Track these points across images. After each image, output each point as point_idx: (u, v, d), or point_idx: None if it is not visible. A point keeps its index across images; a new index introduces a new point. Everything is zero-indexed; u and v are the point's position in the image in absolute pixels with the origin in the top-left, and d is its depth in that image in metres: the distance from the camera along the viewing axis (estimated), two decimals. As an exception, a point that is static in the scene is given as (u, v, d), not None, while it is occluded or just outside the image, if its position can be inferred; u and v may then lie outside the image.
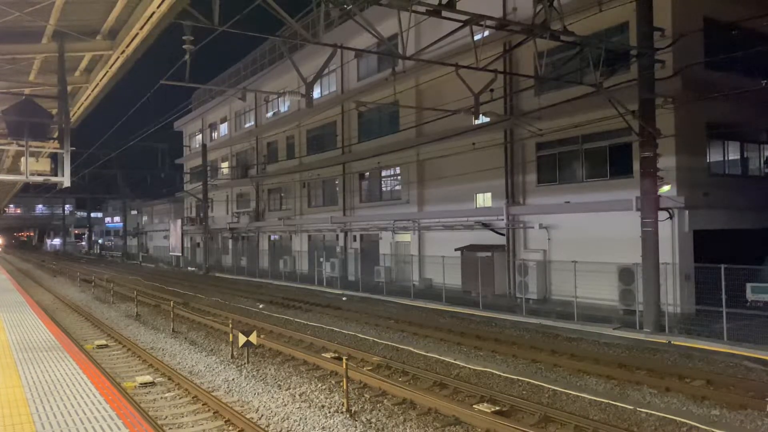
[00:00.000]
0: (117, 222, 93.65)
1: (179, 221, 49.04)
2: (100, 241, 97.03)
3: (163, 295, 25.94)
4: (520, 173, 22.07)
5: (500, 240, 22.29)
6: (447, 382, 10.77)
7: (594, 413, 9.21)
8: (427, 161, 26.28)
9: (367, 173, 31.04)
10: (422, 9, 11.57)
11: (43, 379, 9.69)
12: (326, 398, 10.12)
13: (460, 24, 12.38)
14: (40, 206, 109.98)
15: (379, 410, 9.47)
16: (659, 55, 15.81)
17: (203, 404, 9.86)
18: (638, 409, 9.33)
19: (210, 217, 46.09)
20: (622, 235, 17.13)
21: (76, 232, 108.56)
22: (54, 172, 10.83)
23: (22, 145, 10.37)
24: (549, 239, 20.76)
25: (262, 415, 9.29)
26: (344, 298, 24.32)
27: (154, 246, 67.17)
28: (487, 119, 20.19)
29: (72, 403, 8.35)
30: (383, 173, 30.00)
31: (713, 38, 17.66)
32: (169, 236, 51.38)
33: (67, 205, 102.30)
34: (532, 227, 21.32)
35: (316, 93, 33.04)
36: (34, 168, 10.71)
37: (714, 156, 18.86)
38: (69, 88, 12.11)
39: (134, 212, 77.17)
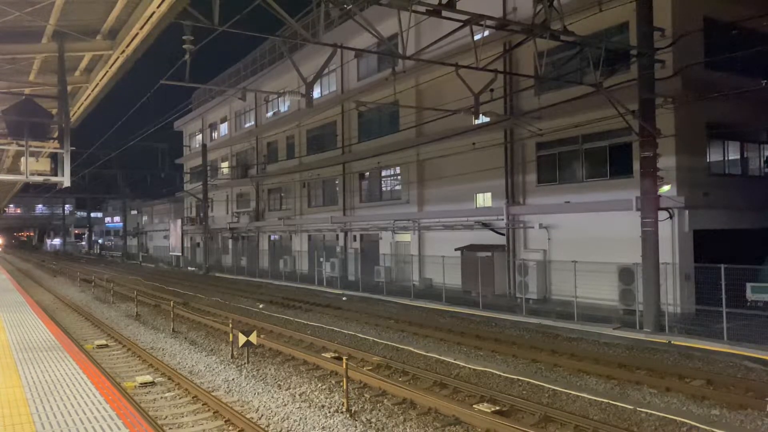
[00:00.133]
0: (117, 222, 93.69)
1: (179, 221, 49.05)
2: (100, 241, 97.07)
3: (163, 295, 25.94)
4: (520, 173, 22.07)
5: (500, 240, 22.29)
6: (447, 382, 10.77)
7: (594, 413, 9.21)
8: (427, 161, 26.28)
9: (367, 173, 31.04)
10: (422, 9, 11.57)
11: (43, 379, 9.69)
12: (326, 398, 10.12)
13: (460, 24, 12.39)
14: (40, 206, 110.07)
15: (379, 410, 9.47)
16: (659, 55, 15.81)
17: (203, 404, 9.86)
18: (638, 408, 9.33)
19: (210, 217, 46.10)
20: (622, 235, 17.13)
21: (76, 232, 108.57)
22: (54, 172, 10.81)
23: (22, 145, 10.36)
24: (549, 239, 20.76)
25: (262, 415, 9.29)
26: (344, 298, 24.32)
27: (154, 246, 67.19)
28: (487, 119, 20.18)
29: (72, 403, 8.35)
30: (383, 173, 30.00)
31: (713, 38, 17.67)
32: (169, 236, 51.39)
33: (67, 205, 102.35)
34: (532, 227, 21.33)
35: (316, 93, 33.05)
36: (34, 168, 10.69)
37: (714, 156, 18.86)
38: (69, 88, 12.10)
39: (134, 212, 77.20)
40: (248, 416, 9.09)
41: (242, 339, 12.27)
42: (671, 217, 16.61)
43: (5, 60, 10.91)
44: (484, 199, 23.84)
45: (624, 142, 18.08)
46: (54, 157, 10.95)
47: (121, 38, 10.00)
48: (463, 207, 24.21)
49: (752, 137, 20.12)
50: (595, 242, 18.47)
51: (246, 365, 12.55)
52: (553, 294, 19.86)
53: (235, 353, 13.36)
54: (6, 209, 64.96)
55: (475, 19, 12.25)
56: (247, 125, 44.31)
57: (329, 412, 9.30)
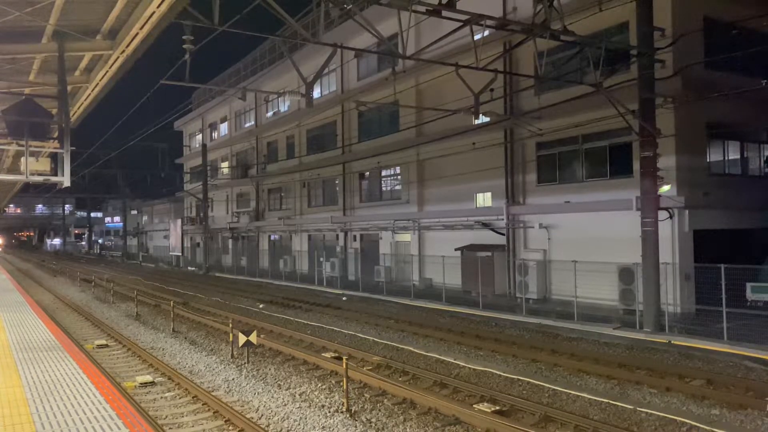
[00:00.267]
0: (117, 222, 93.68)
1: (179, 221, 49.03)
2: (100, 241, 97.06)
3: (163, 295, 25.93)
4: (520, 173, 22.07)
5: (500, 240, 22.29)
6: (447, 382, 10.77)
7: (594, 413, 9.21)
8: (427, 161, 26.28)
9: (367, 173, 31.04)
10: (422, 9, 11.57)
11: (43, 379, 9.69)
12: (326, 398, 10.12)
13: (460, 24, 12.39)
14: (40, 206, 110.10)
15: (379, 410, 9.47)
16: (659, 55, 15.81)
17: (203, 404, 9.86)
18: (638, 408, 9.33)
19: (210, 216, 46.09)
20: (622, 235, 17.13)
21: (76, 232, 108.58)
22: (54, 172, 10.81)
23: (22, 145, 10.36)
24: (549, 239, 20.77)
25: (262, 415, 9.29)
26: (344, 298, 24.32)
27: (154, 246, 67.19)
28: (487, 119, 20.17)
29: (72, 402, 8.34)
30: (383, 173, 30.00)
31: (713, 38, 17.67)
32: (169, 236, 51.38)
33: (67, 205, 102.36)
34: (532, 227, 21.33)
35: (316, 93, 33.05)
36: (34, 168, 10.69)
37: (714, 156, 18.86)
38: (69, 88, 12.10)
39: (134, 212, 77.20)
40: (248, 416, 9.09)
41: (242, 339, 12.28)
42: (671, 217, 16.61)
43: (5, 60, 10.91)
44: (484, 199, 23.84)
45: (624, 142, 18.09)
46: (54, 157, 10.94)
47: (121, 38, 10.00)
48: (463, 207, 24.22)
49: (752, 137, 20.13)
50: (595, 242, 18.47)
51: (246, 365, 12.55)
52: (553, 294, 19.86)
53: (235, 353, 13.36)
54: (6, 209, 64.96)
55: (475, 19, 12.25)
56: (247, 125, 44.32)
57: (329, 411, 9.30)
